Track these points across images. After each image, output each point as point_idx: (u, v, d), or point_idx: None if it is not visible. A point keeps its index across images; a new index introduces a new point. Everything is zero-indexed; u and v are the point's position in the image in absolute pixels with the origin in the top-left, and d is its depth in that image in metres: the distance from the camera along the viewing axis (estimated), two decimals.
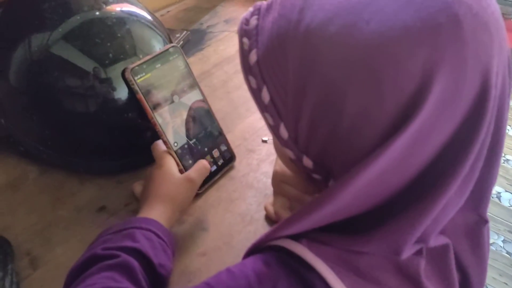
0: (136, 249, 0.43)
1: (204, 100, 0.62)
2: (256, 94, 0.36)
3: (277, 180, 0.54)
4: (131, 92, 0.55)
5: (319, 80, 0.31)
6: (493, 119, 0.32)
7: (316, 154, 0.35)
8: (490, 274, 1.50)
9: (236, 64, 0.88)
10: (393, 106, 0.29)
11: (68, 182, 0.61)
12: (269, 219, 0.56)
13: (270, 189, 0.60)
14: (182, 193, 0.52)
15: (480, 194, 0.37)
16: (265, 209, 0.57)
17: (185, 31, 0.96)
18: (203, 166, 0.55)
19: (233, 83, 0.83)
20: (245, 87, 0.85)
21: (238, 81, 0.83)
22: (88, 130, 0.58)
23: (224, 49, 0.93)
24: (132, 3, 0.63)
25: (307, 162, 0.36)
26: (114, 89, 0.56)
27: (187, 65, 0.60)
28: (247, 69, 0.36)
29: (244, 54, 0.36)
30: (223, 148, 0.63)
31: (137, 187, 0.58)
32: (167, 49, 0.58)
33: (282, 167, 0.52)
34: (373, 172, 0.30)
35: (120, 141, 0.60)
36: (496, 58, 0.30)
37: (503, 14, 2.58)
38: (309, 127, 0.33)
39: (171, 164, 0.54)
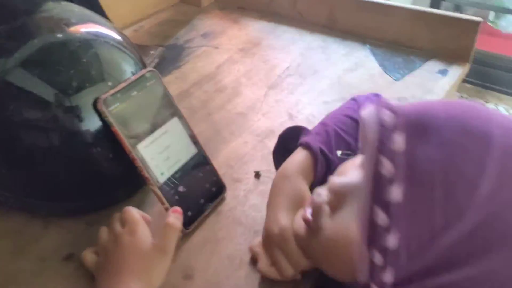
0: None
1: (188, 127, 0.56)
2: (378, 231, 0.29)
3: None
4: (105, 124, 0.48)
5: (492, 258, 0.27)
6: None
7: None
8: None
9: (216, 82, 0.82)
10: None
11: (30, 226, 0.54)
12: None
13: (259, 225, 0.54)
14: (156, 266, 0.45)
15: None
16: (251, 250, 0.50)
17: (159, 47, 0.90)
18: (169, 228, 0.47)
19: (215, 103, 0.76)
20: (227, 107, 0.79)
21: (219, 101, 0.77)
22: (51, 167, 0.51)
23: (203, 66, 0.87)
24: (98, 22, 0.57)
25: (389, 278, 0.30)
26: (80, 121, 0.49)
27: (166, 90, 0.54)
28: (379, 200, 0.29)
29: (380, 180, 0.29)
30: (212, 178, 0.57)
31: (88, 256, 0.48)
32: (143, 74, 0.52)
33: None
34: None
35: (88, 178, 0.53)
36: None
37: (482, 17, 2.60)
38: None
39: (144, 231, 0.46)
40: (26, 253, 0.51)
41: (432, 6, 2.25)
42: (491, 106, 2.31)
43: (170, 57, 0.90)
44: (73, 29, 0.52)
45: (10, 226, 0.54)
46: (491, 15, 2.41)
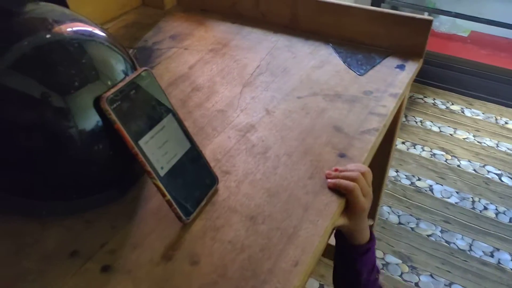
0: None
1: (181, 123, 0.58)
2: None
3: None
4: (107, 122, 0.50)
5: None
6: None
7: None
8: (434, 263, 1.59)
9: (192, 82, 0.85)
10: None
11: (28, 227, 0.54)
12: (262, 243, 0.54)
13: (254, 212, 0.58)
14: None
15: None
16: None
17: (131, 49, 0.91)
18: None
19: (193, 102, 0.79)
20: (206, 105, 0.82)
21: (197, 99, 0.80)
22: (49, 167, 0.52)
23: (176, 66, 0.89)
24: (86, 22, 0.58)
25: None
26: (79, 120, 0.51)
27: (161, 88, 0.56)
28: None
29: None
30: (205, 171, 0.60)
31: None
32: (140, 73, 0.54)
33: None
34: None
35: (86, 177, 0.54)
36: None
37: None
38: None
39: None
40: (29, 253, 0.51)
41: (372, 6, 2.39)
42: (429, 100, 2.49)
43: (141, 59, 0.91)
44: (66, 29, 0.53)
45: (8, 228, 0.54)
46: (425, 15, 2.60)
